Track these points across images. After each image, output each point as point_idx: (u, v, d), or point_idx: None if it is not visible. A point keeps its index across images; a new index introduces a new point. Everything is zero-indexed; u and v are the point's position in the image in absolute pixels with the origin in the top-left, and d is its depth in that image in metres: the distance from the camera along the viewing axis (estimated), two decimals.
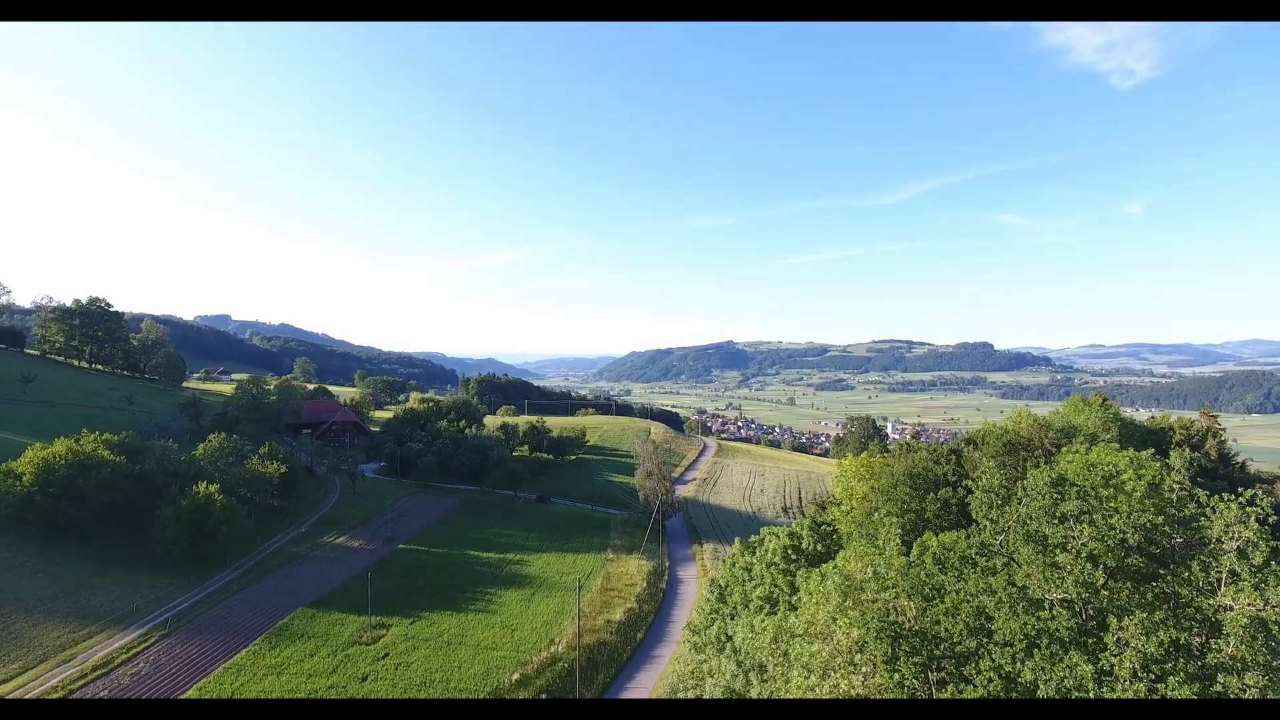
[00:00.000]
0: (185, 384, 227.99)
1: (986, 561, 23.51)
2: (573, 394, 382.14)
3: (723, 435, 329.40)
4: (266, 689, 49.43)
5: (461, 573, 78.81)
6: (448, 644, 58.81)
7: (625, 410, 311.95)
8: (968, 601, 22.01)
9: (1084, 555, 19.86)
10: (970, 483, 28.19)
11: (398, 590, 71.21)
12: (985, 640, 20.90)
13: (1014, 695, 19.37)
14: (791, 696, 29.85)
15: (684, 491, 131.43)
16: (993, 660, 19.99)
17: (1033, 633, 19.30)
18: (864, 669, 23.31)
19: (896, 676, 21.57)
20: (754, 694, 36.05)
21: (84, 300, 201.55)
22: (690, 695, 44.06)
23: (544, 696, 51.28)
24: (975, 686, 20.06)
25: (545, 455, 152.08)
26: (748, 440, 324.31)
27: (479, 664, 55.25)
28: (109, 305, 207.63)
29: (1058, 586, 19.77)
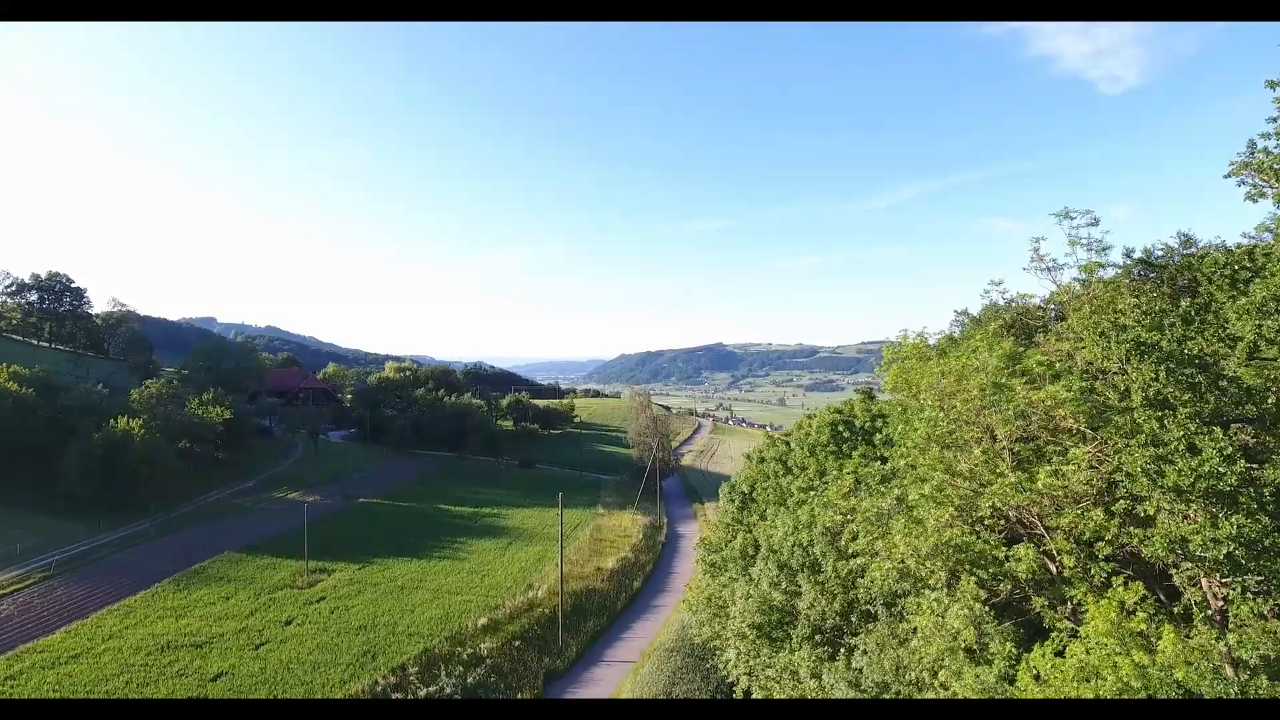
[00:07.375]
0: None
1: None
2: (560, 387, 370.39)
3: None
4: (158, 632, 38.42)
5: (428, 524, 67.83)
6: (401, 588, 47.87)
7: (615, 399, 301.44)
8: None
9: None
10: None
11: (349, 538, 60.33)
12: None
13: None
14: (886, 570, 19.42)
15: (681, 461, 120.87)
16: None
17: None
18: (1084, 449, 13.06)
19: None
20: (804, 604, 25.65)
21: (42, 275, 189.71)
22: (707, 630, 33.47)
23: (517, 644, 40.58)
24: None
25: (531, 425, 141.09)
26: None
27: (437, 608, 44.40)
28: (70, 280, 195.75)
29: None
